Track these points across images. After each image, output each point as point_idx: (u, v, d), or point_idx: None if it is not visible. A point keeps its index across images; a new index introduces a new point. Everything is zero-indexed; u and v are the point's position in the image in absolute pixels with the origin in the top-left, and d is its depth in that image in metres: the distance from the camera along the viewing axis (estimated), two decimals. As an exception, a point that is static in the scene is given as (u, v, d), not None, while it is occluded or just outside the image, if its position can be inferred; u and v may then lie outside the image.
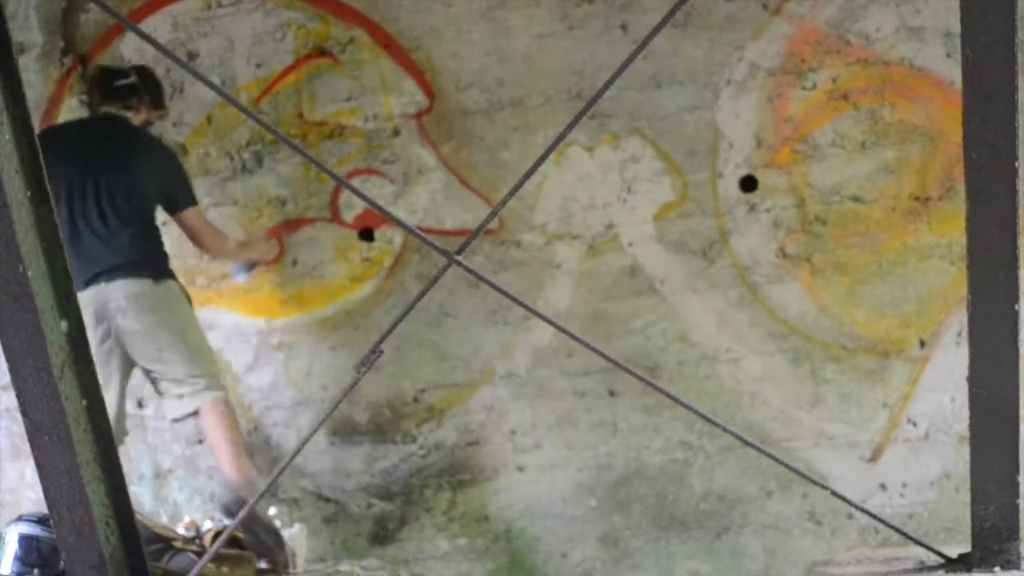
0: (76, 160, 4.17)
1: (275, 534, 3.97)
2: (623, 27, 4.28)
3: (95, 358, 4.09)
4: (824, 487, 2.63)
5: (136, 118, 4.33)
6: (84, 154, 4.17)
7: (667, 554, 4.29)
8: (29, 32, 4.63)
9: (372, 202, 2.50)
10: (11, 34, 2.31)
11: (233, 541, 3.64)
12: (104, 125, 4.32)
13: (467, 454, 4.43)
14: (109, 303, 4.10)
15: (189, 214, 4.27)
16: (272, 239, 4.56)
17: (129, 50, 4.61)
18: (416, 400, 4.47)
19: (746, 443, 2.57)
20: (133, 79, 4.35)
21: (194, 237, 4.31)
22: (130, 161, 4.18)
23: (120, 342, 4.14)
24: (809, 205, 4.21)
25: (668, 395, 2.60)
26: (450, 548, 4.43)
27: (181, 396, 4.19)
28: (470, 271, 2.51)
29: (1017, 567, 2.27)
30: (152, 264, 4.19)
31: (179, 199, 4.26)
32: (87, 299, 4.06)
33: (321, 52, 4.49)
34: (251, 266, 4.52)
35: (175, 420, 4.28)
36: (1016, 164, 2.14)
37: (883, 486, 4.17)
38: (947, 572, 2.35)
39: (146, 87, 4.38)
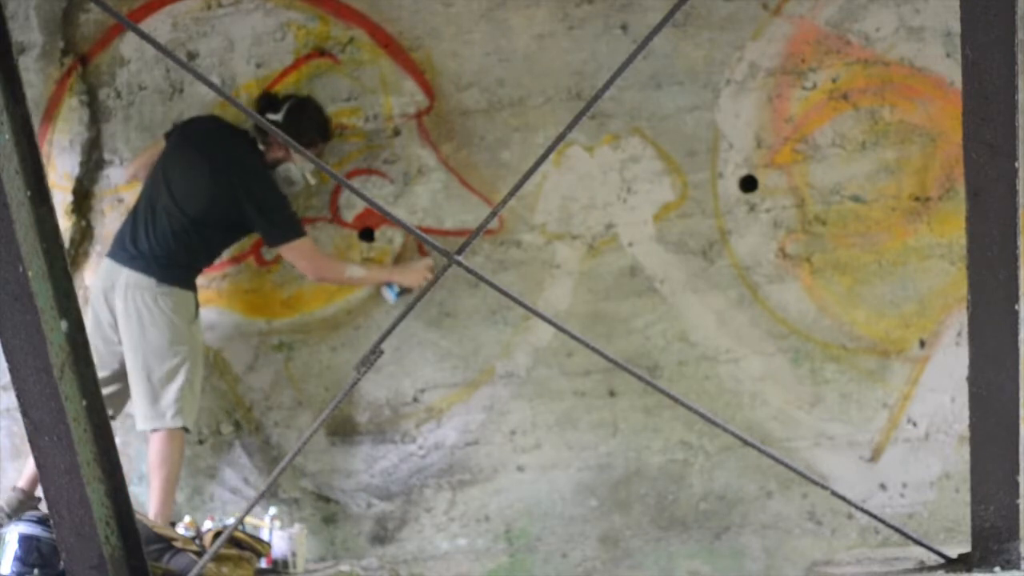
0: (185, 151, 4.22)
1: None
2: (623, 27, 4.28)
3: (100, 326, 4.13)
4: (824, 487, 2.64)
5: (270, 153, 4.29)
6: (193, 151, 4.20)
7: (667, 554, 4.29)
8: (29, 32, 4.63)
9: (372, 202, 2.51)
10: (11, 34, 2.32)
11: (233, 541, 3.64)
12: (233, 138, 4.28)
13: (467, 454, 4.42)
14: (115, 284, 4.14)
15: (287, 248, 4.22)
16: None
17: (129, 50, 4.60)
18: (416, 400, 4.46)
19: (746, 443, 2.58)
20: (278, 117, 4.19)
21: (299, 266, 4.29)
22: (220, 182, 4.13)
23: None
24: (809, 205, 4.21)
25: (668, 395, 2.60)
26: (450, 548, 4.43)
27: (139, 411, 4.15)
28: (470, 271, 2.51)
29: (1017, 567, 2.28)
30: (169, 271, 4.16)
31: (272, 235, 4.22)
32: (102, 269, 4.24)
33: (321, 52, 4.49)
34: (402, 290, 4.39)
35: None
36: (1016, 164, 2.14)
37: (883, 486, 4.17)
38: (947, 572, 2.36)
39: (291, 125, 4.10)
